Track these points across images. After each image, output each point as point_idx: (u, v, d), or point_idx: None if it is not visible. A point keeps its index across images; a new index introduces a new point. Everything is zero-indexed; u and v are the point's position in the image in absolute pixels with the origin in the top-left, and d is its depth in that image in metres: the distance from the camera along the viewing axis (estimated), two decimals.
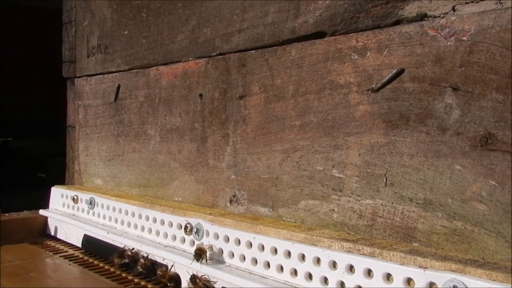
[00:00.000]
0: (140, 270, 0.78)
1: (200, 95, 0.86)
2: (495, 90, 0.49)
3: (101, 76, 1.14)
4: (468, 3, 0.52)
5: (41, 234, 1.15)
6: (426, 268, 0.47)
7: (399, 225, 0.57)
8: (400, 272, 0.49)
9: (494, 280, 0.43)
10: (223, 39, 0.81)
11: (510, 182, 0.49)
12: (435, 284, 0.46)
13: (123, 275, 0.83)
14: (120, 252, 0.84)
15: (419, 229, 0.55)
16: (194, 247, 0.70)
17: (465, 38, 0.51)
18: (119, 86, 1.08)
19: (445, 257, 0.49)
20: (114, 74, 1.10)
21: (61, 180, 1.28)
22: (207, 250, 0.69)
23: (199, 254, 0.68)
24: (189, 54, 0.89)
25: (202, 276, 0.68)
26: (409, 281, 0.48)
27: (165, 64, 0.95)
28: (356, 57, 0.62)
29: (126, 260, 0.83)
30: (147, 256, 0.79)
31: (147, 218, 0.85)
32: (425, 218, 0.55)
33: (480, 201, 0.51)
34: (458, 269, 0.45)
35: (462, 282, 0.44)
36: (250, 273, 0.63)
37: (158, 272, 0.76)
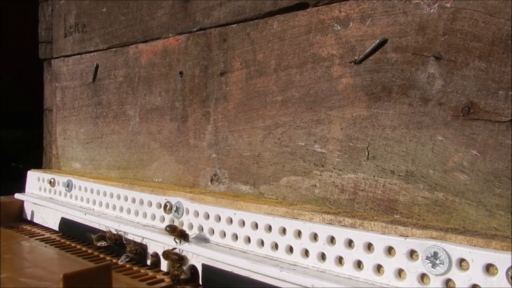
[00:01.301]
0: (130, 256, 0.75)
1: (181, 72, 0.84)
2: (477, 58, 0.49)
3: (79, 56, 1.11)
4: None
5: (17, 218, 1.12)
6: (407, 236, 0.47)
7: (380, 198, 0.57)
8: (381, 241, 0.48)
9: (474, 246, 0.42)
10: (204, 13, 0.79)
11: (491, 151, 0.48)
12: (416, 252, 0.45)
13: (101, 256, 0.81)
14: (100, 234, 0.81)
15: (401, 201, 0.55)
16: (170, 228, 0.68)
17: (448, 5, 0.51)
18: (97, 66, 1.05)
19: (426, 226, 0.48)
20: (92, 54, 1.07)
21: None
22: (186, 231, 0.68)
23: (182, 235, 0.67)
24: (169, 30, 0.87)
25: (173, 250, 0.67)
26: (390, 250, 0.48)
27: (145, 41, 0.92)
28: (339, 28, 0.61)
29: (104, 243, 0.80)
30: (138, 243, 0.76)
31: (126, 199, 0.83)
32: (406, 190, 0.55)
33: (461, 171, 0.51)
34: (439, 236, 0.45)
35: (442, 248, 0.43)
36: (230, 248, 0.62)
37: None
